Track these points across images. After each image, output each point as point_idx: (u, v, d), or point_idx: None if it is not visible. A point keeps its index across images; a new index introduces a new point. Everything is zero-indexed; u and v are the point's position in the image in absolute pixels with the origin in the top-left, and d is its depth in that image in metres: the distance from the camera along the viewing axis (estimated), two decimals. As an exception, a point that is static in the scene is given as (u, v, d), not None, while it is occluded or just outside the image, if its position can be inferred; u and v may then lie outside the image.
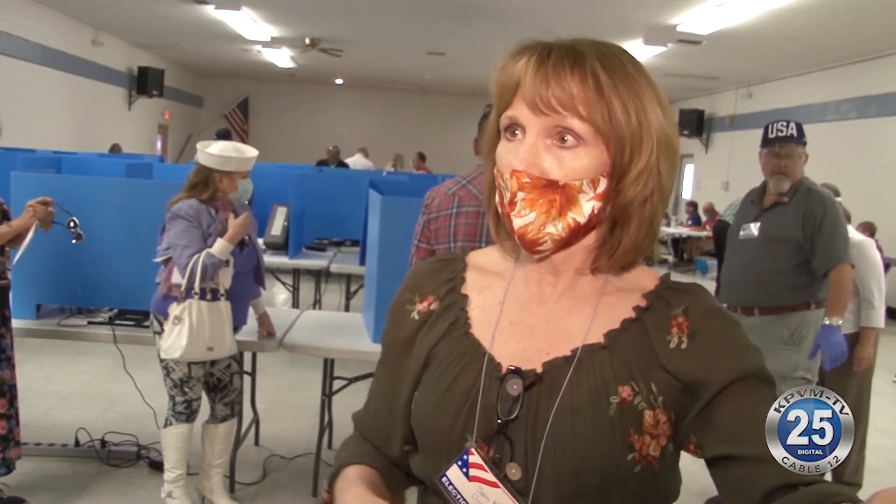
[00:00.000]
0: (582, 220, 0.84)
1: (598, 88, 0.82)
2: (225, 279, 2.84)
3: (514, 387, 0.86)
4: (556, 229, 0.84)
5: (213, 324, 2.79)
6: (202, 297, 2.78)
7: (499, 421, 0.86)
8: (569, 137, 0.83)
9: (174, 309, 2.77)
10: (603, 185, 0.84)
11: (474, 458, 0.86)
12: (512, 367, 0.87)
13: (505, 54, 0.88)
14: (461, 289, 0.96)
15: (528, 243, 0.85)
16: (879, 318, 3.50)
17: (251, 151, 2.97)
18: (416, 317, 0.97)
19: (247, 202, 3.03)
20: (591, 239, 0.89)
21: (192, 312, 2.75)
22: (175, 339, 2.75)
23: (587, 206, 0.84)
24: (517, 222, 0.84)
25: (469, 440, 0.87)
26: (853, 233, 3.53)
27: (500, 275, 0.96)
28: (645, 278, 0.92)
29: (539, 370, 0.87)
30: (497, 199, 0.88)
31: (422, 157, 11.98)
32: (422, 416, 0.92)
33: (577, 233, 0.85)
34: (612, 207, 0.86)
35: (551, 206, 0.83)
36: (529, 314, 0.91)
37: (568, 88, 0.82)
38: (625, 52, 0.87)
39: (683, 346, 0.86)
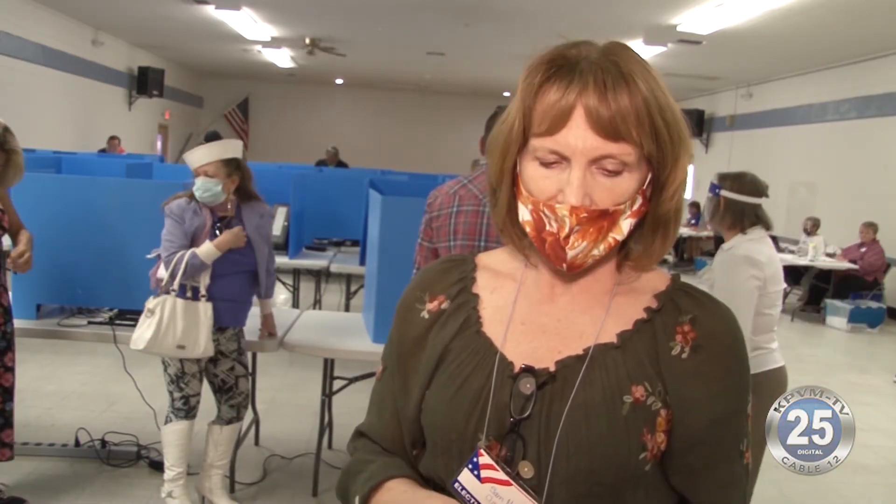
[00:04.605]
0: (621, 238, 0.86)
1: (648, 110, 0.82)
2: (204, 279, 2.84)
3: (527, 385, 0.86)
4: (599, 251, 0.85)
5: (186, 322, 2.78)
6: (182, 294, 2.79)
7: (511, 419, 0.86)
8: (615, 166, 0.83)
9: (150, 302, 2.79)
10: (639, 202, 0.86)
11: (484, 459, 0.86)
12: (525, 366, 0.87)
13: (534, 67, 0.85)
14: (472, 288, 0.96)
15: (574, 267, 0.86)
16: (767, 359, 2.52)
17: (197, 151, 2.88)
18: (427, 315, 0.96)
19: (221, 203, 2.95)
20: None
21: (164, 307, 2.76)
22: (142, 331, 2.76)
23: (625, 223, 0.85)
24: (571, 254, 0.84)
25: (481, 439, 0.87)
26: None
27: (511, 275, 0.96)
28: (656, 278, 0.93)
29: (552, 369, 0.87)
30: (530, 219, 0.86)
31: None
32: (434, 414, 0.91)
33: (613, 249, 0.87)
34: (650, 218, 0.88)
35: (599, 233, 0.84)
36: (541, 314, 0.92)
37: (623, 115, 0.81)
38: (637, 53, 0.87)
39: (684, 356, 0.86)
